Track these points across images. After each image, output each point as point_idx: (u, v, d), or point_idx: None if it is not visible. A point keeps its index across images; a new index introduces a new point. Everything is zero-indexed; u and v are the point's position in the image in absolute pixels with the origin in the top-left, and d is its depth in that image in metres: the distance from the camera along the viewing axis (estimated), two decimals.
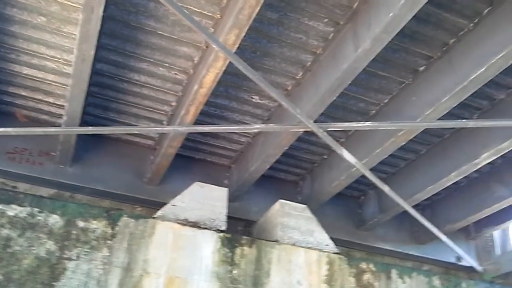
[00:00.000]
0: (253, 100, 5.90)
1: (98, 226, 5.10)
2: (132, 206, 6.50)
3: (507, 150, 5.59)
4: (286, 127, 5.23)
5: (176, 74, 5.46)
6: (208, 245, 5.35)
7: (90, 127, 6.00)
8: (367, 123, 4.93)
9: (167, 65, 5.35)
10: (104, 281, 4.85)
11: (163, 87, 5.69)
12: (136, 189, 6.59)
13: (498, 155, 5.69)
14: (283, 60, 5.23)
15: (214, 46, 3.98)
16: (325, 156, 6.90)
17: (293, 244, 5.73)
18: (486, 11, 4.39)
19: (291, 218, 5.97)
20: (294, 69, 5.35)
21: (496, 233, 8.02)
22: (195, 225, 5.44)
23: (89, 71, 4.76)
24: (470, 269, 7.67)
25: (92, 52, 4.51)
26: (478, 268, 7.56)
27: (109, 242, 5.05)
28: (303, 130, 5.33)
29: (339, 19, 4.65)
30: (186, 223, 5.43)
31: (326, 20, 4.68)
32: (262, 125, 5.78)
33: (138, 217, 5.32)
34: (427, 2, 4.24)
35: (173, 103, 5.91)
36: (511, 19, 4.11)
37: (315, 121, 5.28)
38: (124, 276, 4.93)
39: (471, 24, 4.55)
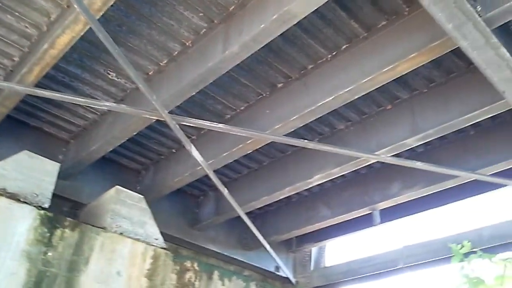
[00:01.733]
0: (109, 76, 5.54)
1: None
2: None
3: (337, 176, 6.18)
4: (139, 111, 5.01)
5: (26, 27, 4.84)
6: (24, 221, 4.83)
7: None
8: (220, 125, 4.96)
9: (17, 14, 4.72)
10: None
11: (7, 38, 5.01)
12: None
13: (328, 179, 6.25)
14: (150, 43, 5.02)
15: (76, 7, 3.63)
16: (174, 150, 6.80)
17: (121, 234, 5.48)
18: (344, 46, 4.78)
19: (124, 207, 5.72)
20: (159, 55, 5.17)
21: (314, 250, 8.77)
22: (13, 197, 4.87)
23: None
24: (286, 279, 8.23)
25: None
26: (292, 279, 8.16)
27: None
28: (156, 118, 5.16)
29: (214, 17, 4.63)
30: (3, 192, 4.82)
31: (201, 14, 4.61)
32: (113, 104, 5.45)
33: None
34: (296, 25, 4.51)
35: (16, 58, 5.23)
36: (364, 58, 4.53)
37: (170, 112, 5.18)
38: None
39: (330, 56, 4.92)
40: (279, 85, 5.39)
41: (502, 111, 4.66)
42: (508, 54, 3.67)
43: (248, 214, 6.94)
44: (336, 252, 8.97)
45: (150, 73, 5.42)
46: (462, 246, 5.06)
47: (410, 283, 7.61)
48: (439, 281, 6.99)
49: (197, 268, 6.19)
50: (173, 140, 6.53)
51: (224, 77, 5.27)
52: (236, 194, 6.64)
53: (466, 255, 5.05)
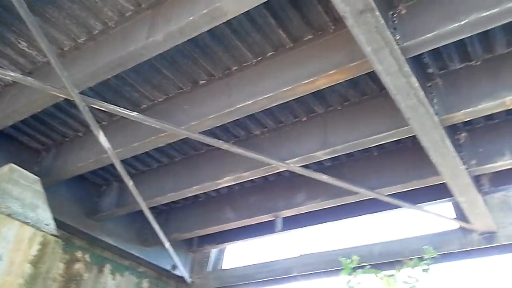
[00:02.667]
0: (19, 45, 5.10)
1: None
2: None
3: (246, 180, 6.23)
4: (47, 87, 4.67)
5: None
6: None
7: None
8: (134, 113, 4.81)
9: None
10: None
11: None
12: None
13: (238, 182, 6.28)
14: (69, 17, 4.70)
15: None
16: (80, 134, 6.42)
17: (9, 215, 5.05)
18: (270, 53, 4.84)
19: (17, 187, 5.30)
20: (78, 31, 4.86)
21: (214, 251, 8.76)
22: None
23: None
24: (181, 279, 8.12)
25: None
26: (188, 279, 8.07)
27: None
28: (64, 97, 4.85)
29: (142, 1, 4.46)
30: None
31: None
32: (20, 75, 5.02)
33: None
34: (226, 24, 4.51)
35: None
36: (287, 67, 4.62)
37: (82, 93, 4.90)
38: None
39: (255, 60, 4.95)
40: (201, 82, 5.32)
41: (405, 136, 5.00)
42: (417, 84, 3.95)
43: (152, 209, 6.77)
44: (236, 255, 9.04)
45: (65, 49, 5.08)
46: (352, 261, 5.37)
47: None
48: None
49: (88, 259, 5.89)
50: (81, 122, 6.17)
51: (145, 65, 5.10)
52: (142, 187, 6.44)
53: (355, 269, 5.37)
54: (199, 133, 5.09)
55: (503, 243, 5.93)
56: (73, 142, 6.52)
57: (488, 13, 3.53)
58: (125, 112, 4.86)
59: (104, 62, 4.64)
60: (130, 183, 5.86)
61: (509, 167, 5.24)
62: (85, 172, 6.54)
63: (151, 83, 5.43)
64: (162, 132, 5.25)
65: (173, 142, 5.98)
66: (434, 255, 5.11)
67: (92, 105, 4.99)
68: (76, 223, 6.92)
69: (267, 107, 5.05)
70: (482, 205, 5.48)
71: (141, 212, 6.49)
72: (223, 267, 8.69)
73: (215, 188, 6.56)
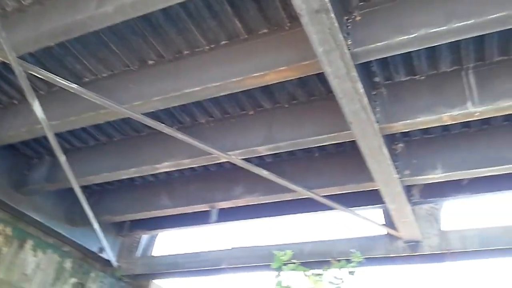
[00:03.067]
0: None
1: None
2: None
3: (186, 167, 6.14)
4: None
5: None
6: None
7: None
8: (74, 85, 4.59)
9: None
10: None
11: None
12: None
13: (177, 168, 6.18)
14: None
15: None
16: (15, 101, 6.05)
17: None
18: (224, 42, 4.77)
19: None
20: None
21: (145, 237, 8.58)
22: None
23: None
24: (107, 262, 7.89)
25: None
26: (114, 263, 7.85)
27: None
28: (1, 59, 4.55)
29: None
30: None
31: None
32: None
33: None
34: (182, 7, 4.41)
35: None
36: (239, 58, 4.58)
37: (21, 58, 4.63)
38: None
39: (208, 47, 4.86)
40: (150, 62, 5.16)
41: (346, 140, 5.11)
42: (362, 90, 4.04)
43: (84, 188, 6.53)
44: (168, 243, 8.92)
45: (8, 9, 4.78)
46: (284, 254, 5.45)
47: (231, 284, 7.91)
48: (256, 285, 7.38)
49: (10, 233, 5.57)
50: (17, 89, 5.81)
51: (93, 37, 4.89)
52: (76, 164, 6.18)
53: (286, 264, 5.45)
54: (142, 114, 4.94)
55: (426, 253, 6.22)
56: (6, 109, 6.14)
57: (436, 29, 3.67)
58: (65, 82, 4.63)
59: (48, 28, 4.41)
60: (62, 158, 5.61)
61: (439, 180, 5.50)
62: (16, 141, 6.21)
63: (97, 56, 5.21)
64: (102, 109, 5.05)
65: (113, 121, 5.79)
66: (360, 259, 5.28)
67: (30, 72, 4.72)
68: (3, 195, 6.53)
69: (215, 96, 4.99)
70: (410, 214, 5.71)
71: (72, 190, 6.23)
72: (153, 254, 8.54)
73: (153, 173, 6.43)
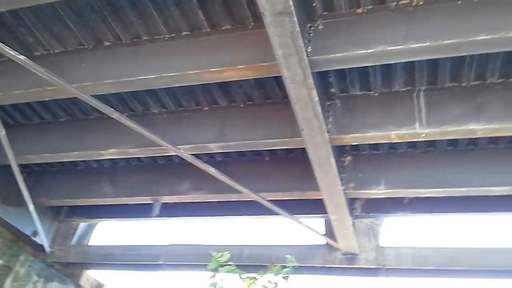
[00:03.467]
0: None
1: None
2: None
3: (133, 156, 5.98)
4: None
5: None
6: None
7: None
8: (22, 57, 4.35)
9: None
10: None
11: None
12: None
13: (123, 157, 6.00)
14: None
15: None
16: None
17: None
18: (185, 33, 4.66)
19: None
20: None
21: (83, 225, 8.26)
22: None
23: None
24: (40, 247, 7.54)
25: None
26: (47, 248, 7.52)
27: None
28: None
29: None
30: None
31: None
32: None
33: None
34: None
35: None
36: (198, 51, 4.50)
37: None
38: None
39: (168, 35, 4.72)
40: (106, 43, 4.98)
41: (297, 147, 5.13)
42: (317, 98, 4.06)
43: (23, 167, 6.25)
44: (106, 234, 8.65)
45: None
46: (222, 256, 5.39)
47: (167, 281, 7.76)
48: (191, 285, 7.27)
49: None
50: None
51: (48, 9, 4.69)
52: (17, 140, 5.90)
53: (222, 265, 5.39)
54: (92, 96, 4.75)
55: (362, 266, 6.33)
56: None
57: (394, 47, 3.75)
58: (13, 53, 4.38)
59: None
60: (2, 132, 5.32)
61: (382, 196, 5.63)
62: None
63: (51, 31, 4.98)
64: (50, 85, 4.81)
65: (61, 100, 5.58)
66: (295, 264, 5.30)
67: None
68: None
69: (171, 86, 4.89)
70: (350, 226, 5.80)
71: (10, 167, 5.91)
72: (88, 243, 8.25)
73: (97, 159, 6.21)
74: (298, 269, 6.02)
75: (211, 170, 5.43)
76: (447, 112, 4.52)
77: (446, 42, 3.61)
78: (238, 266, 5.64)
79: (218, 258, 5.15)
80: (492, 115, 4.36)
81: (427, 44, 3.67)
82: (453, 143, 5.28)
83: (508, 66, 4.35)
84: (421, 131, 4.51)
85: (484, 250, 5.96)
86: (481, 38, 3.51)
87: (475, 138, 5.00)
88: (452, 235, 6.84)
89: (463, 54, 3.84)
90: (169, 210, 6.99)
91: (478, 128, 4.36)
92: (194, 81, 4.63)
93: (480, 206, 5.74)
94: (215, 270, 5.21)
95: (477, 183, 5.10)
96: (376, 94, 4.85)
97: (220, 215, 6.92)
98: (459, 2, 3.72)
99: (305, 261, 6.32)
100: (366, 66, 4.56)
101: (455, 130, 4.44)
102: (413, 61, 4.43)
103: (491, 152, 5.20)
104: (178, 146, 5.33)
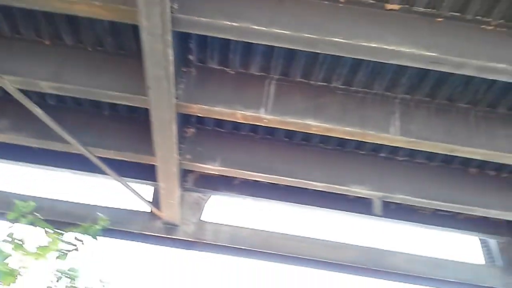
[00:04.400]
0: None
1: None
2: None
3: None
4: None
5: None
6: None
7: None
8: None
9: None
10: None
11: None
12: None
13: None
14: None
15: None
16: None
17: None
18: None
19: None
20: None
21: None
22: None
23: None
24: None
25: None
26: None
27: None
28: None
29: None
30: None
31: None
32: None
33: None
34: None
35: None
36: None
37: None
38: None
39: None
40: None
41: (140, 106, 4.85)
42: (172, 58, 3.87)
43: None
44: None
45: None
46: (27, 205, 4.85)
47: None
48: None
49: None
50: None
51: None
52: None
53: (25, 216, 4.85)
54: None
55: (180, 238, 6.34)
56: None
57: (257, 27, 3.76)
58: None
59: None
60: None
61: (215, 173, 5.70)
62: None
63: None
64: None
65: None
66: (105, 224, 5.07)
67: None
68: None
69: (8, 4, 4.17)
70: (177, 197, 5.73)
71: None
72: None
73: None
74: (114, 233, 5.79)
75: (38, 111, 4.85)
76: (291, 104, 4.74)
77: (305, 35, 3.75)
78: (48, 222, 5.17)
79: (22, 207, 4.61)
80: (328, 116, 4.70)
81: (288, 32, 3.77)
82: (290, 135, 5.58)
83: (352, 75, 4.72)
84: (264, 116, 4.66)
85: (297, 238, 6.43)
86: (336, 39, 3.73)
87: (310, 134, 5.33)
88: (272, 221, 7.29)
89: (318, 52, 4.02)
90: None
91: (314, 125, 4.67)
92: (37, 5, 4.01)
93: (301, 198, 6.22)
94: (16, 220, 4.66)
95: (302, 176, 5.48)
96: (233, 72, 4.85)
97: (40, 164, 6.24)
98: (326, 2, 3.89)
99: (123, 225, 6.10)
100: (228, 43, 4.53)
101: (294, 122, 4.68)
102: (272, 49, 4.53)
103: (320, 150, 5.64)
104: (3, 76, 4.62)
